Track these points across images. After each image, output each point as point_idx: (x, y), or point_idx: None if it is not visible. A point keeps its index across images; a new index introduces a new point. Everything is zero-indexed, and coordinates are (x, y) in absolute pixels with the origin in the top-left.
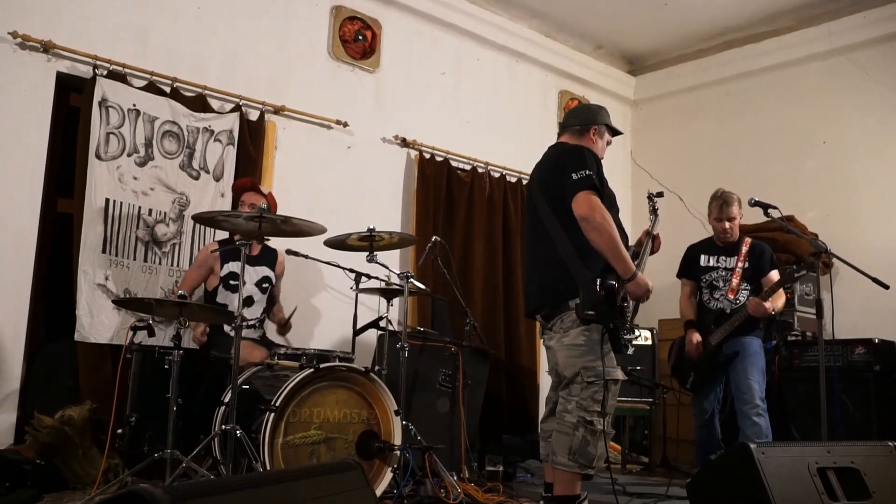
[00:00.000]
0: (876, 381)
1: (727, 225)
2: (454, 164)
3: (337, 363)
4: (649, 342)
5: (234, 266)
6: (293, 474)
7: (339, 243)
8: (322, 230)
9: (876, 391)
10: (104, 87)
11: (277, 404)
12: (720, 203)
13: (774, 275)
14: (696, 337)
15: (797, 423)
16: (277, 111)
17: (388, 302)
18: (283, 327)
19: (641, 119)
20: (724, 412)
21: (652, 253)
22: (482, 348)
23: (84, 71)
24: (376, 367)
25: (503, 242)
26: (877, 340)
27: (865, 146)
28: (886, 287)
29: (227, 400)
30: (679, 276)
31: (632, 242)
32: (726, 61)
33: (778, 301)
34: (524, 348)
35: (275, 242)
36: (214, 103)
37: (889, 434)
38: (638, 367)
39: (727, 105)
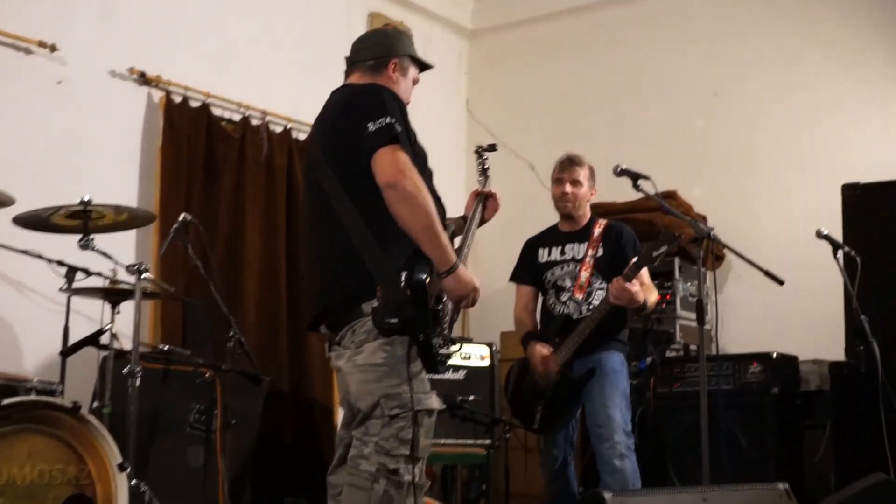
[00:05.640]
0: (773, 408)
1: (567, 188)
2: (217, 111)
3: (30, 397)
4: (487, 362)
5: None
6: None
7: (38, 221)
8: (10, 201)
9: (774, 420)
10: None
11: None
12: (563, 160)
13: None
14: (542, 350)
15: (676, 463)
16: None
17: (115, 308)
18: None
19: (481, 56)
20: (587, 454)
21: (484, 221)
22: (253, 373)
23: None
24: (95, 403)
25: (287, 224)
26: (775, 355)
27: (766, 98)
28: (781, 283)
29: None
30: (512, 279)
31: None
32: None
33: (650, 295)
34: (317, 373)
35: None
36: None
37: (789, 474)
38: (471, 398)
39: (593, 41)
